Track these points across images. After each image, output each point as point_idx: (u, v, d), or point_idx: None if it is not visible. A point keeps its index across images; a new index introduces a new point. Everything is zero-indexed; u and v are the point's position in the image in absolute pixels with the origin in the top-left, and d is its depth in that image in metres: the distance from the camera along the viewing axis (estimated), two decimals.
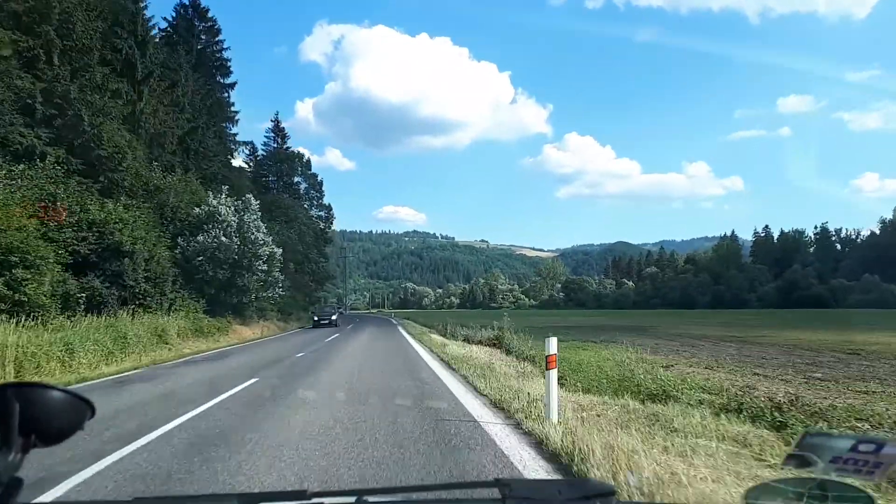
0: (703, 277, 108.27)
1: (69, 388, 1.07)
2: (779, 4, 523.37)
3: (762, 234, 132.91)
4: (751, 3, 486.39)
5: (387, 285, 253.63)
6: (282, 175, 58.85)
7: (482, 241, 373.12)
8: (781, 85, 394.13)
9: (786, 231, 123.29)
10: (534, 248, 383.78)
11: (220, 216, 29.45)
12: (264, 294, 33.58)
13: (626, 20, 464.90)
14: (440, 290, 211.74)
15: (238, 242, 29.74)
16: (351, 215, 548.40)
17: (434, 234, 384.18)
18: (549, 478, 4.43)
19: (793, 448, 1.20)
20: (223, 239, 28.93)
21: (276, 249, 32.96)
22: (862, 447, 1.10)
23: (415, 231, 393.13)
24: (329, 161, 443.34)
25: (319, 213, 65.62)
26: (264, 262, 31.71)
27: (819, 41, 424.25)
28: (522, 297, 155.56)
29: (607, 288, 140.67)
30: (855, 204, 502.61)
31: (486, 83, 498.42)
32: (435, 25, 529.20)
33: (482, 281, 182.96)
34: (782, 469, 1.25)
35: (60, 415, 1.03)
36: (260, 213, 32.90)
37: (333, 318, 42.19)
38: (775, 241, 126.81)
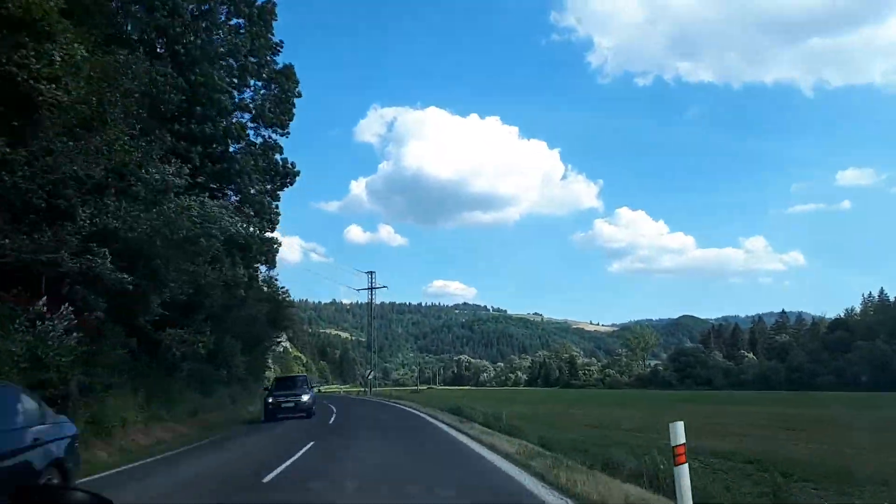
0: None
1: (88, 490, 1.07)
2: (833, 77, 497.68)
3: None
4: (805, 76, 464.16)
5: (437, 359, 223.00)
6: None
7: (535, 314, 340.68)
8: (840, 158, 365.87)
9: None
10: (591, 322, 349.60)
11: None
12: None
13: (677, 96, 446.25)
14: (500, 365, 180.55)
15: None
16: (401, 290, 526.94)
17: (485, 306, 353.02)
18: None
19: None
20: None
21: None
22: None
23: (465, 304, 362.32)
24: (382, 237, 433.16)
25: (257, 84, 26.20)
26: None
27: (876, 113, 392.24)
28: (613, 372, 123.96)
29: (719, 362, 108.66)
30: None
31: (536, 160, 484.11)
32: (485, 106, 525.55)
33: (554, 354, 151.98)
34: None
35: None
36: None
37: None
38: None
